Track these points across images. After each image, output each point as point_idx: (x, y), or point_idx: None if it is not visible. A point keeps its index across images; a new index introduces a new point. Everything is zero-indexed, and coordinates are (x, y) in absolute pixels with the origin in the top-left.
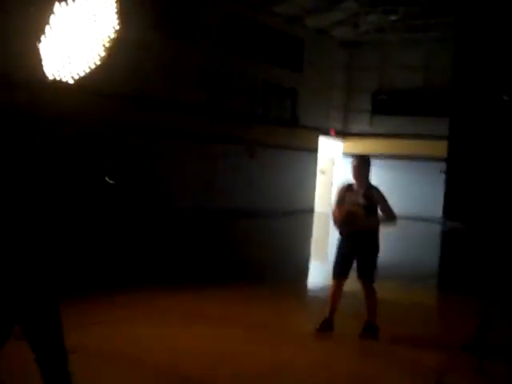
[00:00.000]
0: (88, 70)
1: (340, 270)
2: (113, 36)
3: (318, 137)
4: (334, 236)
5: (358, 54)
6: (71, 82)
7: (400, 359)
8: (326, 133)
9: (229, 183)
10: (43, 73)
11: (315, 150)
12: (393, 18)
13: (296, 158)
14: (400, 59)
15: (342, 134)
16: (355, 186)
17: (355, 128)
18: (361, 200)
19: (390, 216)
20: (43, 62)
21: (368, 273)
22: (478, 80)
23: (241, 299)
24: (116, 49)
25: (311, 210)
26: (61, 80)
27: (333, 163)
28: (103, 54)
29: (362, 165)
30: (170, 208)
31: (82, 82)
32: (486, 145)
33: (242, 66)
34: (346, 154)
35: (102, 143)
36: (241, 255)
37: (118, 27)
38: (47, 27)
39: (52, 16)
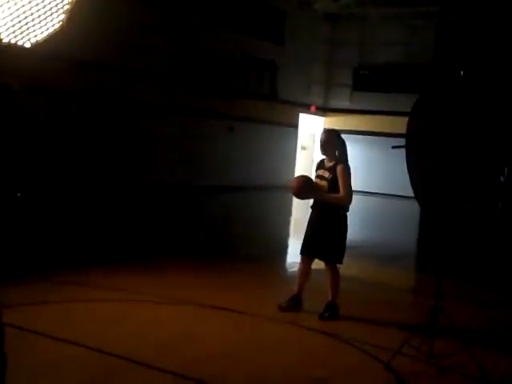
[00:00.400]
0: (46, 35)
1: (304, 246)
2: None
3: (298, 112)
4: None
5: (340, 28)
6: (28, 46)
7: (352, 339)
8: (307, 108)
9: (208, 158)
10: None
11: (295, 126)
12: None
13: (276, 134)
14: (382, 34)
15: (323, 110)
16: (325, 161)
17: (336, 103)
18: (326, 174)
19: (343, 194)
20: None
21: (327, 252)
22: (459, 57)
23: (213, 275)
24: (80, 13)
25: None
26: (16, 44)
27: (314, 139)
28: (62, 17)
29: (327, 139)
30: (143, 183)
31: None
32: (447, 122)
33: (221, 37)
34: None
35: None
36: (219, 231)
37: None
38: None
39: None
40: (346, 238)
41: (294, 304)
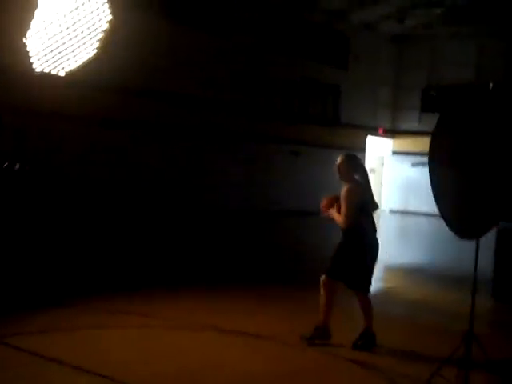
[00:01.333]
0: (81, 63)
1: (333, 267)
2: (106, 27)
3: (365, 135)
4: (384, 237)
5: (407, 49)
6: (62, 74)
7: (383, 369)
8: (374, 131)
9: (272, 183)
10: (31, 66)
11: (362, 149)
12: (438, 11)
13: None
14: (451, 54)
15: (391, 132)
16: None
17: (404, 125)
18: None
19: (341, 215)
20: (31, 56)
21: (352, 279)
22: None
23: (260, 302)
24: (120, 41)
25: None
26: (50, 73)
27: (382, 162)
28: (96, 45)
29: (341, 163)
30: (210, 209)
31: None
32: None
33: (283, 63)
34: (395, 153)
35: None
36: (286, 256)
37: (110, 17)
38: (33, 21)
39: (36, 9)
40: (370, 265)
41: (320, 334)
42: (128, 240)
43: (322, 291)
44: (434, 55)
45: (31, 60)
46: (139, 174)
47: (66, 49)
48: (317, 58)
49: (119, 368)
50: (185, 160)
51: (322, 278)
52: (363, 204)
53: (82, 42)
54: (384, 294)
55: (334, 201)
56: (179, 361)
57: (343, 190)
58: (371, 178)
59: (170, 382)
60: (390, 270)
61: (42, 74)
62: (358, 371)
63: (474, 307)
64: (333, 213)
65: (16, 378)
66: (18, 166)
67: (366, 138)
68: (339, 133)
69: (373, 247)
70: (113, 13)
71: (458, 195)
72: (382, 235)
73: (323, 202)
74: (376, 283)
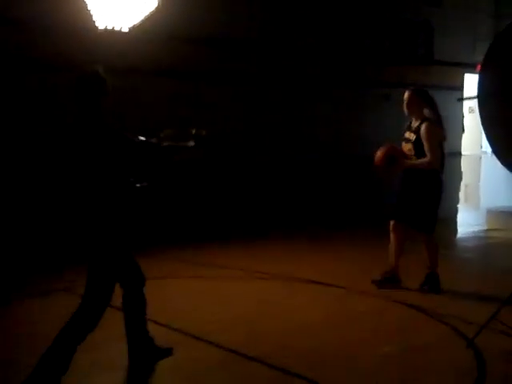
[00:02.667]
0: (142, 18)
1: (393, 209)
2: None
3: (463, 73)
4: (486, 181)
5: None
6: (125, 30)
7: (443, 314)
8: (473, 68)
9: (362, 127)
10: (93, 22)
11: (460, 88)
12: None
13: (437, 98)
14: None
15: None
16: (412, 121)
17: None
18: (411, 136)
19: (429, 158)
20: (93, 12)
21: (417, 220)
22: None
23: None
24: None
25: (458, 153)
26: (113, 29)
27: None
28: None
29: (410, 97)
30: (298, 155)
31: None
32: None
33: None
34: None
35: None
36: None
37: None
38: None
39: None
40: (438, 205)
41: (390, 278)
42: (210, 190)
43: (391, 236)
44: None
45: (93, 17)
46: (220, 123)
47: (126, 3)
48: None
49: (176, 316)
50: (276, 108)
51: (392, 222)
52: (440, 141)
53: None
54: (478, 237)
55: (394, 151)
56: (239, 308)
57: (422, 127)
58: (471, 118)
59: (223, 330)
60: (493, 213)
61: (106, 31)
62: (419, 317)
63: None
64: (409, 163)
65: None
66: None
67: (463, 76)
68: (433, 71)
69: (443, 186)
70: None
71: (507, 127)
72: (484, 178)
73: (380, 155)
74: (473, 227)
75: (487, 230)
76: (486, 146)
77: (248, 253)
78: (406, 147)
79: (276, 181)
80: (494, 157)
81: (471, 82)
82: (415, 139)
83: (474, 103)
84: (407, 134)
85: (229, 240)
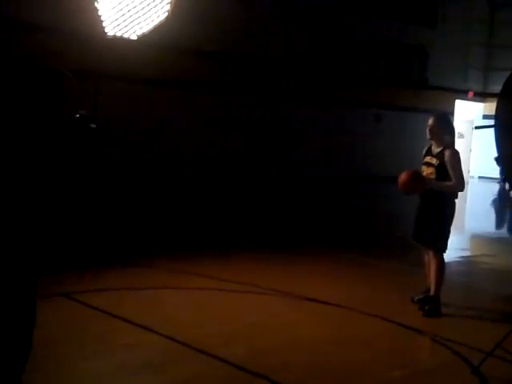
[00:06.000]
0: (152, 27)
1: (413, 230)
2: None
3: (454, 99)
4: (473, 204)
5: (501, 6)
6: (134, 38)
7: (447, 338)
8: (464, 94)
9: (353, 149)
10: (103, 30)
11: (451, 113)
12: None
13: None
14: None
15: (482, 95)
16: (433, 147)
17: (497, 88)
18: (433, 161)
19: (455, 182)
20: (102, 19)
21: (428, 238)
22: None
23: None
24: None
25: None
26: (122, 36)
27: (472, 126)
28: (168, 8)
29: (437, 123)
30: (288, 174)
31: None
32: None
33: (366, 23)
34: (486, 117)
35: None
36: (366, 223)
37: None
38: None
39: None
40: (450, 224)
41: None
42: (198, 202)
43: (425, 258)
44: None
45: (103, 24)
46: (215, 135)
47: (137, 12)
48: (402, 18)
49: (178, 328)
50: (265, 124)
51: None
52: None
53: (152, 4)
54: (468, 262)
55: (418, 176)
56: (238, 322)
57: (447, 153)
58: (460, 142)
59: (225, 344)
60: (477, 238)
61: (114, 38)
62: (422, 341)
63: None
64: (434, 184)
65: (81, 331)
66: (93, 126)
67: (454, 102)
68: (426, 96)
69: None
70: None
71: None
72: (470, 203)
73: (406, 180)
74: (461, 252)
75: (476, 255)
76: (474, 171)
77: (248, 267)
78: (428, 170)
79: (283, 198)
80: (480, 182)
81: (462, 108)
82: (438, 164)
83: (465, 129)
84: (428, 159)
85: (228, 253)
